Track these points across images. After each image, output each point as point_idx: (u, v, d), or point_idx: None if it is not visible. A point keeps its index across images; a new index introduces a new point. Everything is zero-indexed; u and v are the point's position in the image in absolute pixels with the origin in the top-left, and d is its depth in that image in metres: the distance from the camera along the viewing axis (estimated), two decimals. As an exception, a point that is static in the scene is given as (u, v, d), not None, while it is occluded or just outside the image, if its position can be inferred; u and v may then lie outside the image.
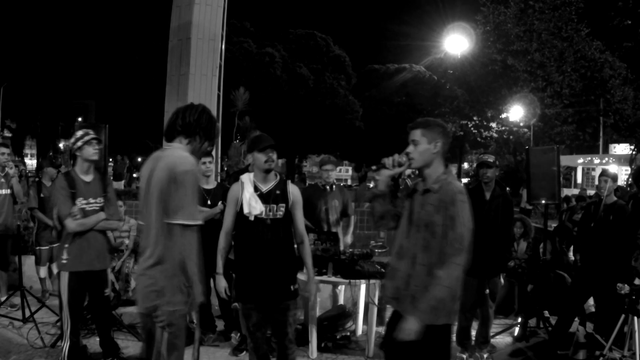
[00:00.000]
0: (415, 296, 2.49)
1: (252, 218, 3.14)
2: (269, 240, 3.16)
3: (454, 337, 4.59)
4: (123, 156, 16.89)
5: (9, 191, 5.32)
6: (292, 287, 3.23)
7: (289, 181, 3.36)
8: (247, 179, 3.24)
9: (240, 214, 3.19)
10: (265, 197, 3.18)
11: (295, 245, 3.36)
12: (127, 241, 5.92)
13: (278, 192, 3.22)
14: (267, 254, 3.15)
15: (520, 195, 14.90)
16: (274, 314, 3.23)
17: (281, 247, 3.21)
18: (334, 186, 5.02)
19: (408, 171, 4.46)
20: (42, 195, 5.54)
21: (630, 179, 11.91)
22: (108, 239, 4.09)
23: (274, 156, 3.19)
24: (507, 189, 4.49)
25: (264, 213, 3.15)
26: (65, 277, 3.62)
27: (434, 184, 2.52)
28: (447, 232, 2.42)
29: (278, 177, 3.29)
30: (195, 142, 2.56)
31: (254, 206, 3.13)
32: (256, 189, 3.20)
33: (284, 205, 3.22)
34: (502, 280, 4.65)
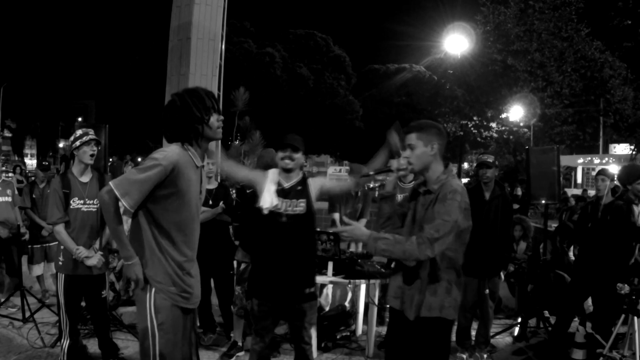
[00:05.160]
0: (414, 295, 2.50)
1: (265, 212, 3.02)
2: (284, 237, 3.02)
3: (453, 337, 4.60)
4: (125, 156, 16.86)
5: (9, 199, 5.46)
6: (306, 290, 3.08)
7: (310, 178, 3.26)
8: (271, 173, 3.16)
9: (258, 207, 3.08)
10: (285, 193, 3.08)
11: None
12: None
13: (299, 188, 3.12)
14: (281, 252, 3.01)
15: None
16: (291, 319, 3.14)
17: (298, 246, 3.04)
18: (359, 192, 5.35)
19: (411, 176, 4.49)
20: (34, 195, 5.64)
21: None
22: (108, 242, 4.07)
23: (295, 155, 3.09)
24: (508, 189, 4.50)
25: (282, 207, 3.03)
26: (61, 278, 3.63)
27: (434, 184, 2.53)
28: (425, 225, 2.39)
29: (301, 174, 3.21)
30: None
31: (266, 199, 3.02)
32: (279, 184, 3.11)
33: (304, 200, 3.09)
34: (502, 276, 4.66)
